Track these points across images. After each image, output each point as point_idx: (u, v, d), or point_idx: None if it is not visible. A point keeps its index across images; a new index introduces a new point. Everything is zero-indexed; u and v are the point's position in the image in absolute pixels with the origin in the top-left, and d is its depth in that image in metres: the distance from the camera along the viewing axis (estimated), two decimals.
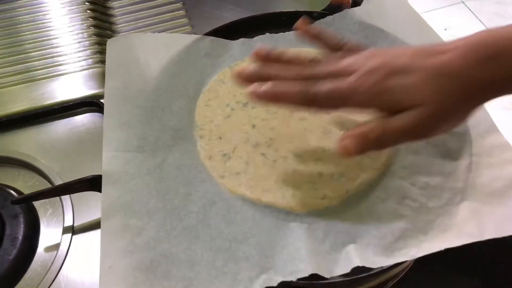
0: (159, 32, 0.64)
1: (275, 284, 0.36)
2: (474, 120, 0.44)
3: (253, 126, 0.47)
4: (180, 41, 0.54)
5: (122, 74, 0.50)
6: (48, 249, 0.45)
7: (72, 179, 0.45)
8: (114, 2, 0.70)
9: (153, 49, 0.53)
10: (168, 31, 0.65)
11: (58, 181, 0.49)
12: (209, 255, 0.38)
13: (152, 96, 0.49)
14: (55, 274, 0.43)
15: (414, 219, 0.39)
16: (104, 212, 0.40)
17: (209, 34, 0.55)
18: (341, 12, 0.55)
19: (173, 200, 0.41)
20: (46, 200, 0.48)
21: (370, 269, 0.36)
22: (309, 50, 0.53)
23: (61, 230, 0.46)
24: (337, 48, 0.40)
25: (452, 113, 0.34)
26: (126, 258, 0.37)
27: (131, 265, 0.37)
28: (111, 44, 0.53)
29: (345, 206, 0.41)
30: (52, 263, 0.44)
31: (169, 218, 0.40)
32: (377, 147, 0.36)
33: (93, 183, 0.45)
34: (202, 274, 0.37)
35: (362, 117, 0.47)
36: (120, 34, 0.65)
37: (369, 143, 0.35)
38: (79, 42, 0.64)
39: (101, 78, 0.60)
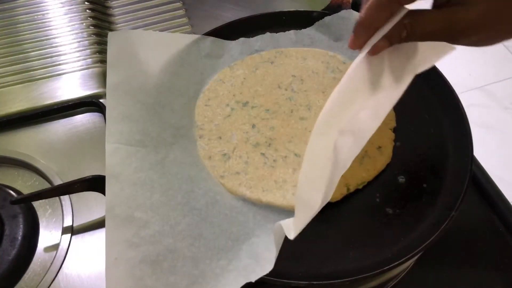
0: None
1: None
2: None
3: (253, 126, 0.47)
4: (180, 40, 0.54)
5: (123, 68, 0.50)
6: (48, 249, 0.45)
7: (72, 179, 0.45)
8: (113, 2, 0.70)
9: (154, 47, 0.53)
10: (167, 31, 0.65)
11: (57, 181, 0.49)
12: (213, 253, 0.38)
13: (153, 92, 0.49)
14: (55, 274, 0.43)
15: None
16: (109, 203, 0.40)
17: (209, 33, 0.54)
18: (339, 12, 0.55)
19: (176, 196, 0.41)
20: (46, 200, 0.48)
21: (370, 269, 0.36)
22: (314, 50, 0.53)
23: (60, 230, 0.46)
24: None
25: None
26: (131, 251, 0.38)
27: (137, 257, 0.37)
28: (112, 37, 0.52)
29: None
30: (51, 264, 0.44)
31: (173, 213, 0.40)
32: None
33: (93, 184, 0.45)
34: (207, 272, 0.37)
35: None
36: None
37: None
38: (78, 42, 0.64)
39: (101, 77, 0.60)
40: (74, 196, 0.48)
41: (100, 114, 0.56)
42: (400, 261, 0.36)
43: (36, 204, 0.48)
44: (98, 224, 0.46)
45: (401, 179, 0.43)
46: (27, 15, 0.67)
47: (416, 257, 0.38)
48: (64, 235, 0.46)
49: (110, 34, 0.52)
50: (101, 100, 0.57)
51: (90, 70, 0.61)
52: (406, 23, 0.34)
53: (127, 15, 0.68)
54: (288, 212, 0.41)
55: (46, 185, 0.49)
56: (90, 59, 0.62)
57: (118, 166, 0.42)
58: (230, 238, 0.39)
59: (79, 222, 0.47)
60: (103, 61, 0.62)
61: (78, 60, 0.62)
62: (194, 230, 0.39)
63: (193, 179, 0.43)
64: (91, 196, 0.46)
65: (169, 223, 0.39)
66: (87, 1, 0.69)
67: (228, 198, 0.42)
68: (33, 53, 0.63)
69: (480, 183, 0.50)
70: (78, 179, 0.45)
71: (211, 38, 0.54)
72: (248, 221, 0.40)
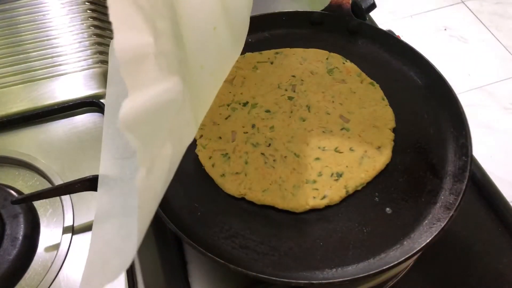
0: None
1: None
2: None
3: (253, 126, 0.47)
4: None
5: (122, 80, 0.50)
6: (48, 249, 0.45)
7: (72, 179, 0.45)
8: None
9: None
10: None
11: (58, 181, 0.49)
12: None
13: None
14: (55, 274, 0.43)
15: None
16: (97, 218, 0.37)
17: None
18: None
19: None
20: (46, 200, 0.48)
21: (370, 269, 0.36)
22: (315, 50, 0.53)
23: (61, 230, 0.46)
24: None
25: None
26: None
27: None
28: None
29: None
30: (52, 263, 0.44)
31: None
32: None
33: (93, 183, 0.45)
34: None
35: (361, 117, 0.47)
36: None
37: None
38: (79, 42, 0.64)
39: (101, 78, 0.60)
40: (75, 195, 0.48)
41: (100, 114, 0.56)
42: (399, 261, 0.36)
43: (37, 204, 0.48)
44: None
45: (401, 179, 0.43)
46: (28, 16, 0.68)
47: (416, 257, 0.38)
48: (65, 235, 0.46)
49: (112, 42, 0.52)
50: (101, 100, 0.57)
51: (91, 70, 0.61)
52: None
53: None
54: (287, 212, 0.41)
55: (47, 185, 0.49)
56: (91, 60, 0.62)
57: (111, 182, 0.41)
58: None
59: (80, 221, 0.47)
60: (103, 62, 0.62)
61: (79, 61, 0.62)
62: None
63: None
64: (92, 195, 0.46)
65: None
66: (88, 2, 0.69)
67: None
68: (34, 53, 0.63)
69: (480, 183, 0.50)
70: (79, 179, 0.45)
71: None
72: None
